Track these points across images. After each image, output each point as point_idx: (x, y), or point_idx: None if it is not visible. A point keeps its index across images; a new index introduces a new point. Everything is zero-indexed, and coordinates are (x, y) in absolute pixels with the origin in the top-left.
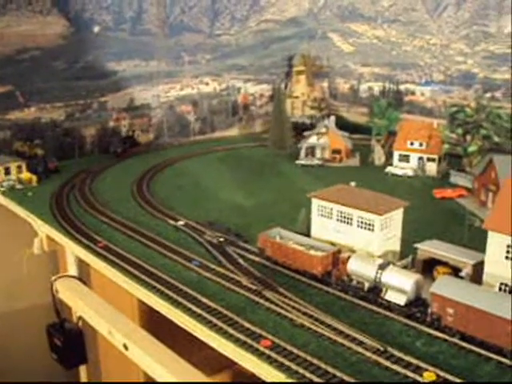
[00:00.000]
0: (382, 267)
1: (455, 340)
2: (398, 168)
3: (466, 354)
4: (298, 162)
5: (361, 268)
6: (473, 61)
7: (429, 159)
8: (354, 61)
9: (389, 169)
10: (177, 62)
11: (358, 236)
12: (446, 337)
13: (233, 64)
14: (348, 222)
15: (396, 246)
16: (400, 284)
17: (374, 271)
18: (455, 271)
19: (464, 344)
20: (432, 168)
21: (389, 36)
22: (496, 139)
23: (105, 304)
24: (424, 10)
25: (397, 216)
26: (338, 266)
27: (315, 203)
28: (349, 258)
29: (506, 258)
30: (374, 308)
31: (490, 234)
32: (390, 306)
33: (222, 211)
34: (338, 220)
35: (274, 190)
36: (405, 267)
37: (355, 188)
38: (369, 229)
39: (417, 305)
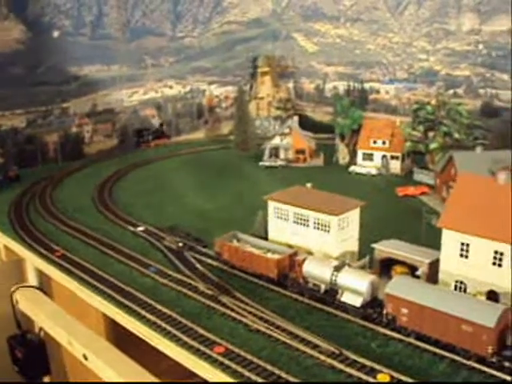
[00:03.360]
0: (337, 269)
1: (411, 340)
2: (362, 167)
3: (420, 354)
4: (261, 163)
5: (316, 270)
6: (435, 58)
7: (392, 157)
8: (318, 60)
9: (352, 168)
10: (139, 66)
11: (315, 237)
12: (402, 337)
13: (197, 66)
14: (304, 224)
15: (354, 247)
16: (355, 285)
17: (329, 273)
18: (412, 270)
19: (419, 343)
20: (396, 166)
21: (352, 35)
22: (456, 136)
23: (65, 314)
24: (385, 9)
25: (353, 216)
26: (295, 268)
27: (271, 205)
28: (304, 260)
29: (461, 255)
30: (331, 310)
31: (445, 231)
32: (346, 308)
33: (184, 215)
34: (294, 222)
35: (236, 193)
36: (363, 267)
37: (311, 189)
38: (325, 230)
39: (373, 306)
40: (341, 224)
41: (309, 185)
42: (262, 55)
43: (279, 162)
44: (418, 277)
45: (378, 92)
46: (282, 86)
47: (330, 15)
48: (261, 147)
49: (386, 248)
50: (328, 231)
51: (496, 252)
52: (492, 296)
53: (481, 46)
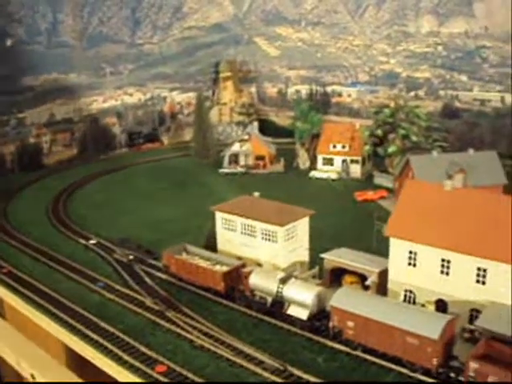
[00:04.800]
0: (283, 281)
1: (358, 353)
2: (322, 172)
3: (367, 367)
4: (221, 170)
5: (262, 282)
6: (395, 60)
7: (352, 161)
8: (280, 64)
9: (312, 173)
10: (98, 74)
11: (263, 248)
12: (350, 350)
13: (157, 73)
14: (252, 235)
15: (304, 256)
16: (301, 298)
17: (275, 285)
18: (363, 279)
19: (367, 356)
20: (356, 170)
21: (313, 38)
22: (414, 139)
23: (14, 332)
24: (346, 12)
25: (302, 226)
26: (242, 281)
27: (219, 216)
28: (251, 272)
29: (409, 264)
30: (278, 323)
31: (392, 240)
32: (293, 321)
33: (138, 227)
34: (242, 233)
35: (193, 202)
36: (313, 277)
37: (259, 199)
38: (272, 240)
39: (320, 318)
40: (288, 234)
41: (256, 194)
42: (224, 60)
43: (239, 169)
44: (367, 286)
45: (340, 95)
46: (245, 91)
47: (291, 19)
48: (221, 154)
49: (335, 258)
50: (275, 242)
51: (443, 260)
52: (441, 305)
53: (440, 48)
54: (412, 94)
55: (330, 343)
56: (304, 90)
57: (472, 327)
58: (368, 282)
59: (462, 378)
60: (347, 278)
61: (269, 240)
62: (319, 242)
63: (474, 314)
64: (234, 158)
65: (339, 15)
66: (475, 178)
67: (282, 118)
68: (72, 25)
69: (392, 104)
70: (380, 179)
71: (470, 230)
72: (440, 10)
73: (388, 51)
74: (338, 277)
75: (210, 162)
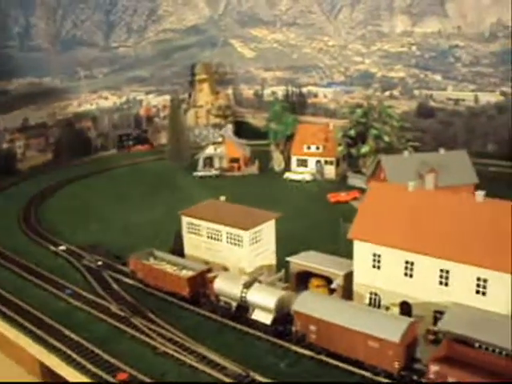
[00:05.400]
0: (246, 286)
1: (322, 357)
2: (296, 173)
3: (330, 371)
4: (195, 173)
5: (227, 287)
6: (370, 60)
7: (326, 162)
8: (256, 66)
9: (287, 175)
10: (72, 78)
11: (229, 253)
12: (313, 354)
13: (133, 76)
14: (218, 239)
15: (271, 260)
16: (264, 302)
17: (239, 290)
18: (330, 283)
19: (330, 361)
20: (330, 171)
21: (288, 39)
22: (386, 139)
23: None
24: (320, 13)
25: (268, 229)
26: (207, 286)
27: (185, 221)
28: (215, 277)
29: (374, 266)
30: (243, 328)
31: (356, 243)
32: (257, 326)
33: (110, 232)
34: (208, 237)
35: (167, 206)
36: (280, 281)
37: (225, 203)
38: (238, 245)
39: (284, 322)
40: (254, 238)
41: (222, 198)
42: (200, 62)
43: (213, 172)
44: (333, 290)
45: (316, 96)
46: (221, 93)
47: (266, 20)
48: (195, 157)
49: (300, 261)
50: (241, 246)
51: (407, 262)
52: (405, 307)
53: (414, 48)
54: (387, 93)
55: (293, 348)
56: (280, 91)
57: (436, 329)
58: (333, 286)
59: (423, 381)
60: (314, 282)
61: (234, 244)
62: (289, 245)
63: (438, 315)
64: (209, 161)
65: (314, 16)
66: (446, 177)
67: (258, 120)
68: (45, 28)
69: (365, 104)
70: (354, 180)
71: (433, 231)
72: (413, 9)
73: (363, 51)
74: (304, 280)
75: (185, 165)
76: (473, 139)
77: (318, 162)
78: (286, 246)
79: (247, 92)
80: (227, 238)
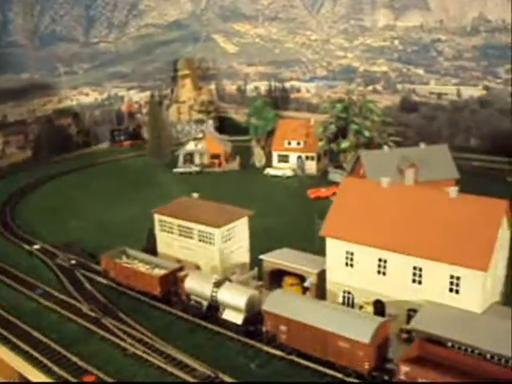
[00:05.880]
0: (217, 285)
1: (293, 358)
2: (277, 169)
3: (300, 372)
4: (175, 170)
5: (197, 286)
6: (352, 55)
7: (308, 157)
8: (239, 61)
9: (267, 170)
10: (52, 74)
11: (201, 251)
12: (284, 355)
13: (114, 72)
14: (190, 237)
15: (244, 258)
16: (234, 301)
17: (209, 289)
18: (304, 281)
19: (301, 361)
20: (311, 166)
21: (270, 34)
22: (367, 134)
23: None
24: (302, 7)
25: (241, 226)
26: (178, 285)
27: (157, 219)
28: (186, 276)
29: (347, 264)
30: (214, 328)
31: (329, 240)
32: (229, 326)
33: (86, 230)
34: (180, 235)
35: (145, 203)
36: (254, 279)
37: (198, 200)
38: (210, 243)
39: (256, 322)
40: (226, 235)
41: (195, 195)
42: (182, 58)
43: (194, 168)
44: (306, 288)
45: (298, 91)
46: (204, 89)
47: (249, 15)
48: (175, 153)
49: (274, 259)
50: (213, 244)
51: (380, 260)
52: (378, 306)
53: (396, 42)
54: (370, 88)
55: (264, 348)
56: (263, 86)
57: (409, 328)
58: (307, 284)
59: (394, 381)
60: (287, 280)
61: (206, 242)
62: (265, 242)
63: (412, 314)
64: (189, 157)
65: (296, 10)
66: (426, 172)
67: (241, 115)
68: (22, 24)
69: (347, 98)
70: (334, 175)
71: (407, 228)
72: (395, 3)
73: (345, 46)
74: (278, 278)
75: (166, 162)
76: (456, 133)
77: (299, 157)
78: (261, 243)
79: (230, 87)
80: (199, 236)
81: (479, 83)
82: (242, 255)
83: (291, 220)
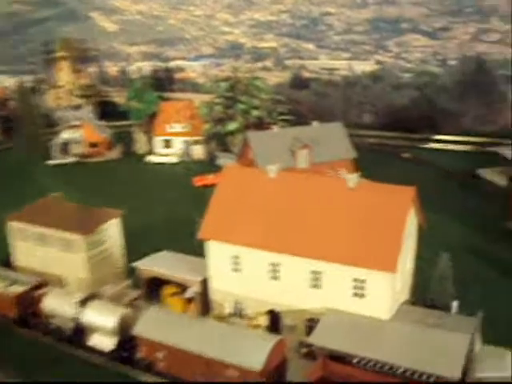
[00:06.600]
0: (81, 303)
1: None
2: (161, 155)
3: None
4: (49, 162)
5: (57, 307)
6: (239, 30)
7: (194, 142)
8: (119, 40)
9: (150, 158)
10: None
11: (66, 262)
12: None
13: None
14: (52, 246)
15: (118, 266)
16: (103, 323)
17: (72, 309)
18: (185, 289)
19: None
20: (198, 151)
21: (152, 10)
22: (255, 113)
23: None
24: None
25: (112, 229)
26: (36, 304)
27: (13, 226)
28: (45, 294)
29: (233, 270)
30: (81, 355)
31: (210, 243)
32: (100, 352)
33: None
34: (40, 245)
35: (9, 204)
36: (129, 289)
37: (61, 202)
38: (75, 251)
39: (129, 347)
40: (93, 242)
41: (56, 195)
42: (59, 38)
43: (70, 159)
44: (189, 300)
45: (184, 70)
46: (84, 72)
47: None
48: (50, 143)
49: (150, 266)
50: (77, 253)
51: (272, 264)
52: (273, 316)
53: (284, 16)
54: (259, 64)
55: (143, 377)
56: (147, 66)
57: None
58: (189, 295)
59: None
60: (167, 290)
61: (70, 251)
62: (144, 244)
63: (313, 324)
64: (65, 147)
65: None
66: (321, 153)
67: (124, 99)
68: None
69: (233, 77)
70: (224, 160)
71: (301, 225)
72: None
73: (231, 21)
74: (158, 287)
75: (41, 153)
76: (349, 110)
77: (185, 141)
78: (140, 244)
79: (112, 69)
80: (62, 244)
81: (371, 57)
82: (115, 263)
83: (175, 214)
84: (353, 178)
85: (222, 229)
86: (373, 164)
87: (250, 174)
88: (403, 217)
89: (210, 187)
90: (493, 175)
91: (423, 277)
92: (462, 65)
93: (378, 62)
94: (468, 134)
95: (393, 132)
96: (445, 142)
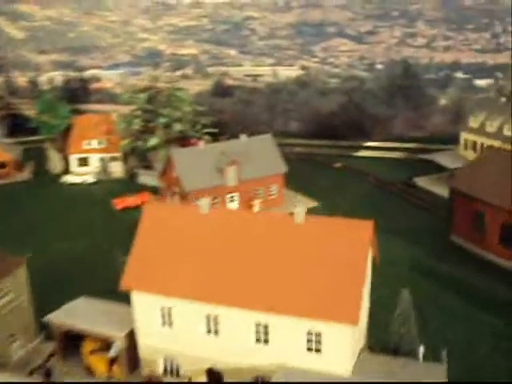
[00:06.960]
0: None
1: None
2: (77, 175)
3: None
4: None
5: None
6: (157, 37)
7: (112, 159)
8: (28, 48)
9: (65, 178)
10: None
11: None
12: None
13: None
14: None
15: (27, 318)
16: None
17: None
18: (109, 347)
19: None
20: (117, 169)
21: (62, 16)
22: (178, 127)
23: None
24: None
25: (16, 279)
26: None
27: None
28: None
29: (164, 323)
30: None
31: (134, 293)
32: None
33: None
34: None
35: None
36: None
37: None
38: None
39: None
40: None
41: None
42: None
43: None
44: (114, 359)
45: (99, 80)
46: None
47: None
48: None
49: (64, 320)
50: None
51: (209, 316)
52: (214, 375)
53: (205, 20)
54: (179, 73)
55: None
56: (59, 76)
57: None
58: (112, 353)
59: None
60: (87, 346)
61: None
62: (59, 287)
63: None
64: None
65: None
66: (250, 169)
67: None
68: None
69: (152, 87)
70: (145, 177)
71: (241, 272)
72: None
73: (148, 27)
74: (77, 342)
75: None
76: (275, 118)
77: (102, 159)
78: (55, 284)
79: (21, 79)
80: None
81: (296, 63)
82: (24, 315)
83: (94, 243)
84: (300, 213)
85: (148, 277)
86: (303, 175)
87: (177, 211)
88: (363, 257)
89: (131, 209)
90: (430, 184)
91: (379, 316)
92: (389, 69)
93: (304, 68)
94: (398, 140)
95: (321, 140)
96: (376, 149)
